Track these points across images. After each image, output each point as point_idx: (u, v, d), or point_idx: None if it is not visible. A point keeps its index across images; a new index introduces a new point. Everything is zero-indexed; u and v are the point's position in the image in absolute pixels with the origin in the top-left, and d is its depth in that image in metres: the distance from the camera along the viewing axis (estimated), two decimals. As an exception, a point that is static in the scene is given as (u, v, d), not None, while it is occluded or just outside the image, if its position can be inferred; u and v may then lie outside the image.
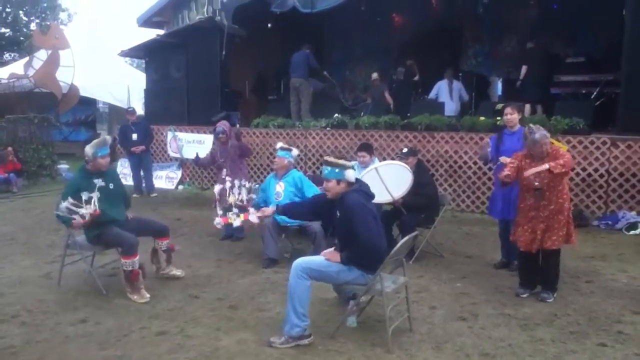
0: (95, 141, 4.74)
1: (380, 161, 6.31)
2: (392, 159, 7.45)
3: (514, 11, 11.63)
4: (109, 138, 5.04)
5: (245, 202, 5.12)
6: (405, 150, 5.86)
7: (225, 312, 4.31)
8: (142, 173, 10.09)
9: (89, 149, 4.63)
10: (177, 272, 5.17)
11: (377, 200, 4.09)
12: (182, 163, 10.99)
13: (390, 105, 10.55)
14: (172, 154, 10.99)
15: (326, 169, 3.83)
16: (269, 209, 4.50)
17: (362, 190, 3.82)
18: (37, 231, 7.18)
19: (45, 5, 26.13)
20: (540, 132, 4.31)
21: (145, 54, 12.60)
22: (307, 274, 3.65)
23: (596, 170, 7.18)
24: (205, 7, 12.23)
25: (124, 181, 5.95)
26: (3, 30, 25.18)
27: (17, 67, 15.11)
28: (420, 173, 5.70)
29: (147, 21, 13.60)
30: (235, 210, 4.98)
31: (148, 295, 4.55)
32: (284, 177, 5.72)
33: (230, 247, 6.34)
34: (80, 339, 3.81)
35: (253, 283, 5.01)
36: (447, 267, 5.50)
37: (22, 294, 4.73)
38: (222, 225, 5.35)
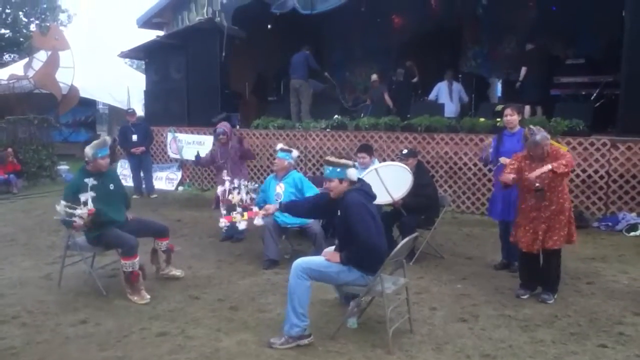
0: (95, 142, 4.74)
1: (380, 162, 6.32)
2: (392, 160, 7.45)
3: (513, 12, 11.66)
4: (108, 139, 5.05)
5: (249, 201, 5.14)
6: (405, 151, 5.87)
7: (225, 313, 4.31)
8: (142, 174, 10.09)
9: (88, 150, 4.63)
10: (177, 272, 5.17)
11: (377, 201, 4.09)
12: (182, 164, 11.00)
13: (390, 107, 10.57)
14: (172, 155, 10.99)
15: (327, 169, 3.84)
16: (272, 206, 4.51)
17: (363, 190, 3.83)
18: (38, 232, 7.17)
19: (45, 6, 26.14)
20: (541, 134, 4.31)
21: (145, 55, 12.60)
22: (307, 274, 3.66)
23: (596, 171, 7.19)
24: (205, 8, 12.23)
25: (124, 182, 5.94)
26: (3, 31, 25.18)
27: (16, 68, 15.12)
28: (420, 174, 5.70)
29: (147, 22, 13.61)
30: (239, 209, 4.98)
31: (148, 296, 4.55)
32: (284, 179, 5.72)
33: (230, 248, 6.33)
34: (80, 340, 3.81)
35: (253, 284, 5.01)
36: (448, 268, 5.49)
37: (23, 295, 4.73)
38: (226, 225, 5.35)
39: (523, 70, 9.17)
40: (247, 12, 11.20)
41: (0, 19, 24.81)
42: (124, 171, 10.91)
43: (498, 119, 7.47)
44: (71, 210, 4.36)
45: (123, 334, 3.90)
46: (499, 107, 7.74)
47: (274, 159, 6.04)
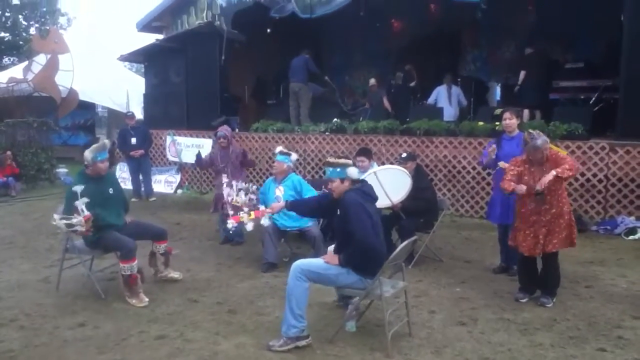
0: (94, 145, 4.74)
1: (379, 166, 6.32)
2: (391, 163, 7.46)
3: (512, 16, 11.67)
4: (108, 142, 5.03)
5: (255, 201, 5.18)
6: (404, 155, 5.88)
7: (224, 316, 4.30)
8: (141, 177, 10.08)
9: (88, 154, 4.62)
10: (175, 274, 5.17)
11: (376, 204, 4.10)
12: (181, 167, 10.99)
13: (389, 111, 10.58)
14: (171, 158, 10.98)
15: (328, 170, 3.90)
16: (278, 205, 4.54)
17: (362, 190, 3.85)
18: (36, 235, 7.17)
19: (44, 9, 26.11)
20: (541, 138, 4.32)
21: (144, 58, 12.61)
22: (305, 276, 3.67)
23: (595, 175, 7.20)
24: (205, 12, 12.26)
25: (122, 185, 5.95)
26: (2, 34, 25.16)
27: (16, 71, 15.10)
28: (419, 178, 5.71)
29: (147, 26, 13.63)
30: (245, 209, 4.99)
31: (147, 299, 4.54)
32: (284, 182, 5.73)
33: (229, 251, 6.33)
34: (78, 343, 3.80)
35: (252, 287, 5.01)
36: (446, 271, 5.49)
37: (21, 297, 4.72)
38: (234, 225, 5.32)
39: (522, 74, 9.18)
40: (247, 16, 11.22)
41: (0, 22, 24.81)
42: (123, 174, 10.92)
43: (497, 123, 7.47)
44: (68, 222, 4.36)
45: (121, 337, 3.90)
46: (498, 111, 7.74)
47: (273, 162, 6.05)
